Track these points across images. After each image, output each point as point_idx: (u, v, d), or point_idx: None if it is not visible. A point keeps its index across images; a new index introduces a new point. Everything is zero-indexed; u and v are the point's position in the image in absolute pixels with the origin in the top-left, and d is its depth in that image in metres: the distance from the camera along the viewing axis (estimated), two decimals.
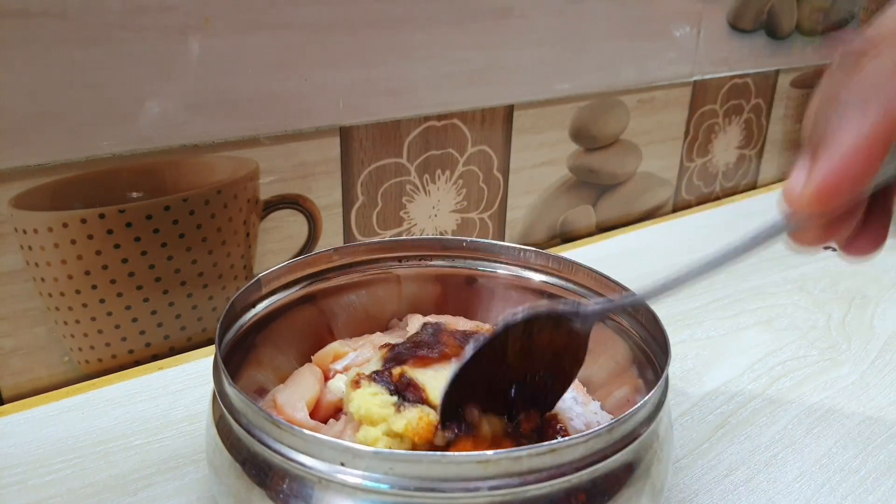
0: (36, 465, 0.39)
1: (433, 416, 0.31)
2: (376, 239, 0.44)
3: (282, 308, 0.40)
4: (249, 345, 0.37)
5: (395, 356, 0.35)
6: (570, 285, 0.42)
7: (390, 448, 0.30)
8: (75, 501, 0.36)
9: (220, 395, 0.31)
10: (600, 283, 0.40)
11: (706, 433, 0.43)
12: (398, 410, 0.31)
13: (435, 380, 0.33)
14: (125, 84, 0.44)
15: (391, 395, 0.32)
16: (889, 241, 0.72)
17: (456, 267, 0.44)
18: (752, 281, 0.62)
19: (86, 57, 0.42)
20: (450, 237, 0.45)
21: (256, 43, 0.48)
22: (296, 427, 0.27)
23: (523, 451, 0.25)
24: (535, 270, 0.43)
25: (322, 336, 0.42)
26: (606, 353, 0.40)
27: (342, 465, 0.26)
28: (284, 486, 0.27)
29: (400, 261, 0.44)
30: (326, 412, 0.36)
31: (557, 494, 0.26)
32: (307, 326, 0.41)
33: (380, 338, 0.40)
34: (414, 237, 0.44)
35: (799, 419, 0.45)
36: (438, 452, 0.27)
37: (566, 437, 0.27)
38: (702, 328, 0.55)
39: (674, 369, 0.50)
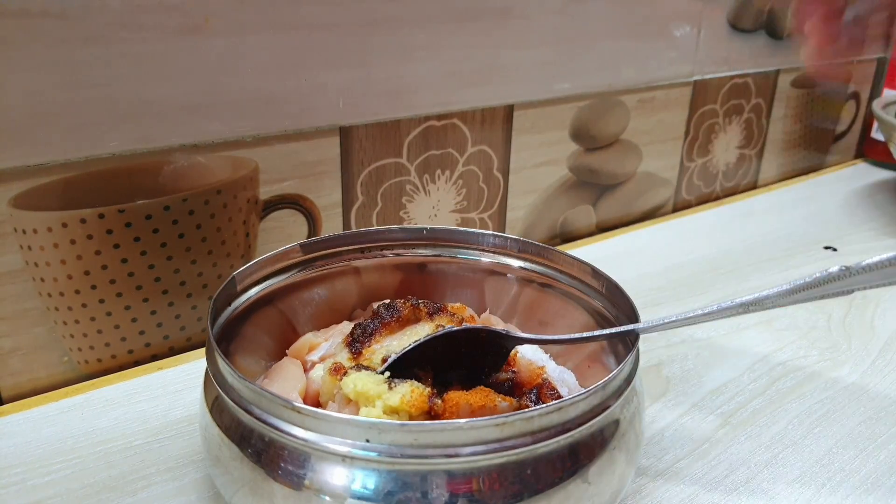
0: (35, 465, 0.39)
1: (424, 389, 0.32)
2: (337, 233, 0.45)
3: (248, 309, 0.40)
4: (223, 352, 0.37)
5: (362, 331, 0.37)
6: (529, 265, 0.44)
7: None
8: (74, 502, 0.36)
9: (217, 378, 0.31)
10: (558, 258, 0.43)
11: (706, 433, 0.43)
12: (390, 387, 0.32)
13: (401, 345, 0.37)
14: (125, 84, 0.44)
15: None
16: (889, 242, 0.72)
17: (416, 255, 0.46)
18: (753, 281, 0.62)
19: (85, 56, 0.42)
20: (409, 226, 0.46)
21: (256, 42, 0.48)
22: (319, 410, 0.28)
23: (534, 411, 0.28)
24: (494, 253, 0.45)
25: (286, 334, 0.42)
26: (563, 321, 0.42)
27: (367, 441, 0.27)
28: (308, 469, 0.28)
29: (363, 252, 0.45)
30: (312, 401, 0.37)
31: (563, 450, 0.29)
32: (272, 326, 0.42)
33: (348, 326, 0.41)
34: (375, 228, 0.45)
35: (799, 419, 0.45)
36: (459, 420, 0.28)
37: (569, 397, 0.29)
38: (702, 328, 0.55)
39: (674, 369, 0.50)
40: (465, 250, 0.45)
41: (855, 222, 0.78)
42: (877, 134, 1.00)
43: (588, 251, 0.70)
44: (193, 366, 0.48)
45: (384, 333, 0.38)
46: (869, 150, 1.03)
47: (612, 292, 0.39)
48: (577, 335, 0.38)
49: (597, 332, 0.38)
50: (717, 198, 0.88)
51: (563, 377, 0.39)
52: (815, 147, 1.00)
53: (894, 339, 0.54)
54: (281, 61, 0.49)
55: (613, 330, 0.37)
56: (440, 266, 0.46)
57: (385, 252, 0.45)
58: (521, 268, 0.44)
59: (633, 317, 0.36)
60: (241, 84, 0.48)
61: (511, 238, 0.44)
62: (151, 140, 0.46)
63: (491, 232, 0.45)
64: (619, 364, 0.34)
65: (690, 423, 0.44)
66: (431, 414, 0.32)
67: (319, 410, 0.28)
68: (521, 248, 0.44)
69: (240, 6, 0.46)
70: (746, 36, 0.80)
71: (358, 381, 0.33)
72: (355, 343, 0.37)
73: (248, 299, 0.40)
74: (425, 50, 0.56)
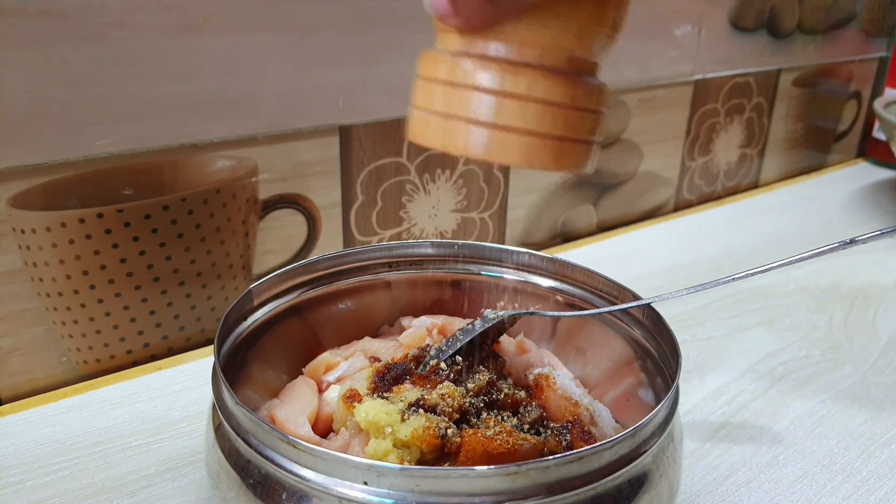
0: (34, 465, 0.39)
1: (439, 421, 0.30)
2: (366, 246, 0.43)
3: (270, 321, 0.39)
4: (240, 362, 0.36)
5: (390, 377, 0.34)
6: (564, 286, 0.42)
7: (401, 460, 0.29)
8: (73, 502, 0.36)
9: (219, 403, 0.30)
10: (599, 281, 0.40)
11: (707, 434, 0.43)
12: (403, 419, 0.30)
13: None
14: (123, 83, 0.44)
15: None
16: (891, 241, 0.71)
17: (448, 271, 0.43)
18: (754, 281, 0.62)
19: (84, 56, 0.42)
20: (440, 240, 0.44)
21: (255, 42, 0.48)
22: (316, 448, 0.26)
23: (551, 460, 0.25)
24: (528, 272, 0.43)
25: (310, 347, 0.40)
26: (603, 349, 0.40)
27: (365, 483, 0.25)
28: None
29: (391, 266, 0.43)
30: (325, 425, 0.35)
31: (585, 503, 0.26)
32: (295, 338, 0.40)
33: (369, 343, 0.39)
34: (403, 241, 0.43)
35: (801, 420, 0.45)
36: (466, 468, 0.26)
37: (592, 445, 0.27)
38: (703, 329, 0.55)
39: None
40: (498, 268, 0.43)
41: (856, 222, 0.78)
42: (878, 133, 1.00)
43: (589, 251, 0.69)
44: (192, 366, 0.48)
45: (415, 383, 0.34)
46: (870, 150, 1.03)
47: (653, 324, 0.37)
48: (586, 312, 0.39)
49: (608, 309, 0.38)
50: (719, 197, 0.88)
51: (599, 413, 0.36)
52: (817, 146, 1.00)
53: (895, 340, 0.54)
54: (280, 60, 0.49)
55: (625, 305, 0.37)
56: (473, 284, 0.44)
57: (414, 267, 0.43)
58: (556, 289, 0.42)
59: (673, 350, 0.33)
60: (240, 84, 0.48)
61: (547, 258, 0.42)
62: (150, 140, 0.46)
63: (525, 250, 0.42)
64: (657, 401, 0.31)
65: (692, 424, 0.44)
66: (444, 451, 0.30)
67: (316, 448, 0.26)
68: (557, 269, 0.42)
69: (239, 5, 0.46)
70: (748, 35, 0.80)
71: (370, 411, 0.31)
72: (382, 382, 0.34)
73: (270, 311, 0.38)
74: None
